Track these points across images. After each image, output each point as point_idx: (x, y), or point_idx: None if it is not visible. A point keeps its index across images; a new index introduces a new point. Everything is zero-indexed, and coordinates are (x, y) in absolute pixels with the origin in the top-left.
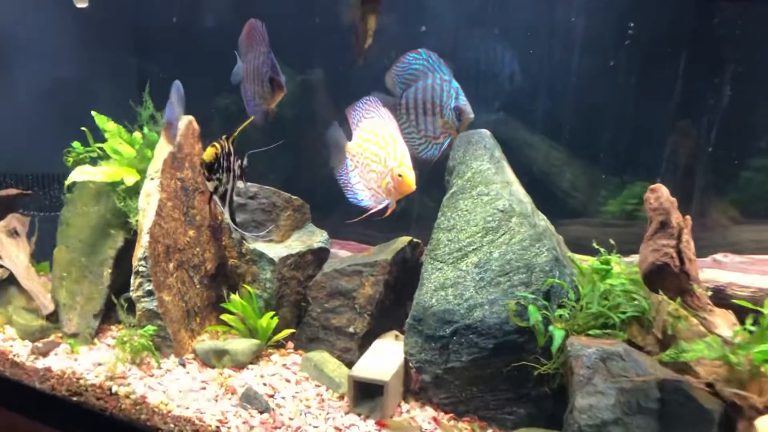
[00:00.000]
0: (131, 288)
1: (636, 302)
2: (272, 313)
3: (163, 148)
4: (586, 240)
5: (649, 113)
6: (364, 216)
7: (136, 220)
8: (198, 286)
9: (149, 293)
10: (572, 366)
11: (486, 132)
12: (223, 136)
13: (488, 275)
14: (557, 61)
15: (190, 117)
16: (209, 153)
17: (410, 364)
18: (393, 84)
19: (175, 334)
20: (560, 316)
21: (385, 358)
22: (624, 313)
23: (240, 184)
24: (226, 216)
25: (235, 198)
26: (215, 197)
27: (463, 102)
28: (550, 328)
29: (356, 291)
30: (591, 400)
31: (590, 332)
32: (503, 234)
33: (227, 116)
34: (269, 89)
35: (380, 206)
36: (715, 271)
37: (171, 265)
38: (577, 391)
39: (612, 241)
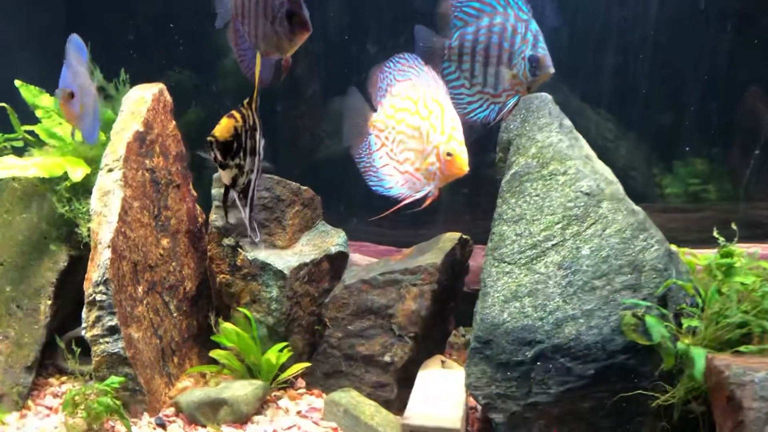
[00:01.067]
0: (84, 324)
1: None
2: (283, 344)
3: (124, 129)
4: None
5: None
6: (396, 208)
7: (88, 229)
8: (175, 314)
9: (112, 330)
10: (736, 396)
11: (548, 96)
12: (244, 102)
13: (578, 278)
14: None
15: (161, 85)
16: (226, 126)
17: (476, 400)
18: (446, 17)
19: (148, 384)
20: (691, 328)
21: (442, 394)
22: None
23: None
24: (245, 218)
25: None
26: (234, 193)
27: (543, 51)
28: (680, 345)
29: (393, 307)
30: None
31: (741, 348)
32: (593, 223)
33: (181, 95)
34: (287, 29)
35: (418, 195)
36: None
37: (140, 289)
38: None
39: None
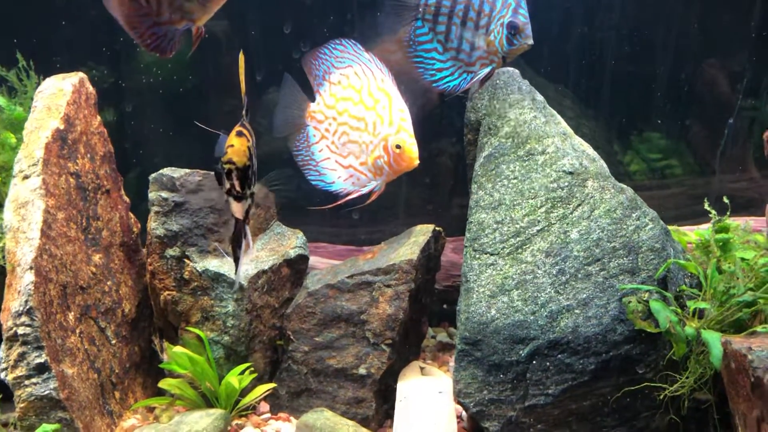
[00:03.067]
0: (3, 364)
1: None
2: (245, 365)
3: (40, 127)
4: None
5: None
6: (337, 203)
7: (1, 248)
8: (114, 342)
9: (40, 369)
10: (764, 382)
11: (515, 71)
12: (243, 113)
13: (570, 265)
14: None
15: (81, 74)
16: (242, 149)
17: (467, 409)
18: None
19: (88, 428)
20: (697, 310)
21: (429, 407)
22: None
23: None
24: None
25: (168, 196)
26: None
27: (524, 20)
28: (688, 329)
29: (366, 312)
30: None
31: (758, 329)
32: (579, 205)
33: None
34: None
35: (364, 190)
36: None
37: (71, 316)
38: None
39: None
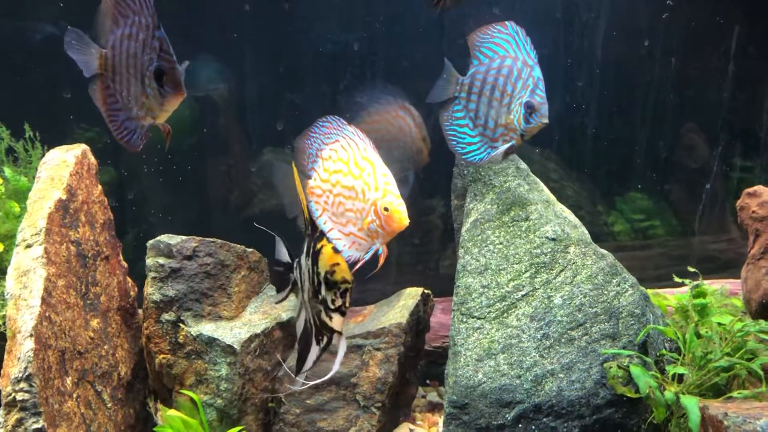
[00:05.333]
0: (0, 429)
1: None
2: (238, 428)
3: (43, 198)
4: None
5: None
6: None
7: (3, 317)
8: (110, 405)
9: None
10: None
11: None
12: (304, 206)
13: (554, 330)
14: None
15: (83, 146)
16: (346, 267)
17: None
18: (472, 53)
19: None
20: (677, 375)
21: None
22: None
23: None
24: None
25: (165, 262)
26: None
27: (540, 100)
28: (667, 394)
29: (356, 375)
30: None
31: (733, 394)
32: (562, 270)
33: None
34: (156, 91)
35: (367, 255)
36: None
37: (69, 381)
38: None
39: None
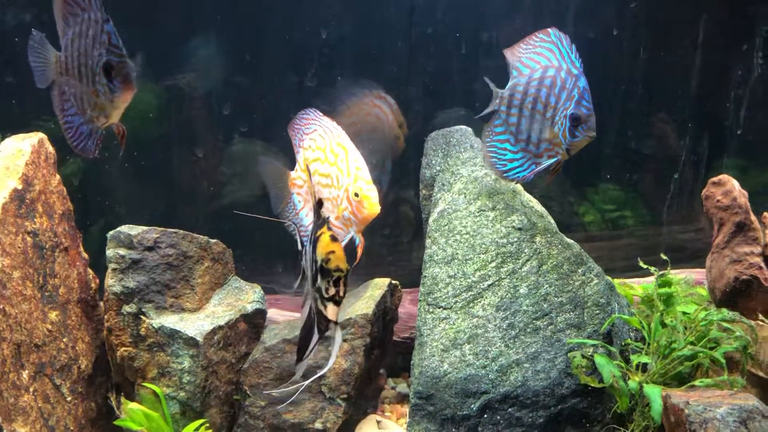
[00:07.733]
0: None
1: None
2: (200, 421)
3: None
4: None
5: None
6: None
7: None
8: (69, 399)
9: None
10: None
11: (467, 129)
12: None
13: (519, 320)
14: None
15: (40, 135)
16: (342, 255)
17: None
18: (512, 65)
19: None
20: (641, 364)
21: None
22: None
23: None
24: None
25: (125, 253)
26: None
27: (587, 111)
28: (631, 383)
29: (322, 366)
30: None
31: (696, 382)
32: (528, 260)
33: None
34: (107, 87)
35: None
36: None
37: (25, 374)
38: None
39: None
